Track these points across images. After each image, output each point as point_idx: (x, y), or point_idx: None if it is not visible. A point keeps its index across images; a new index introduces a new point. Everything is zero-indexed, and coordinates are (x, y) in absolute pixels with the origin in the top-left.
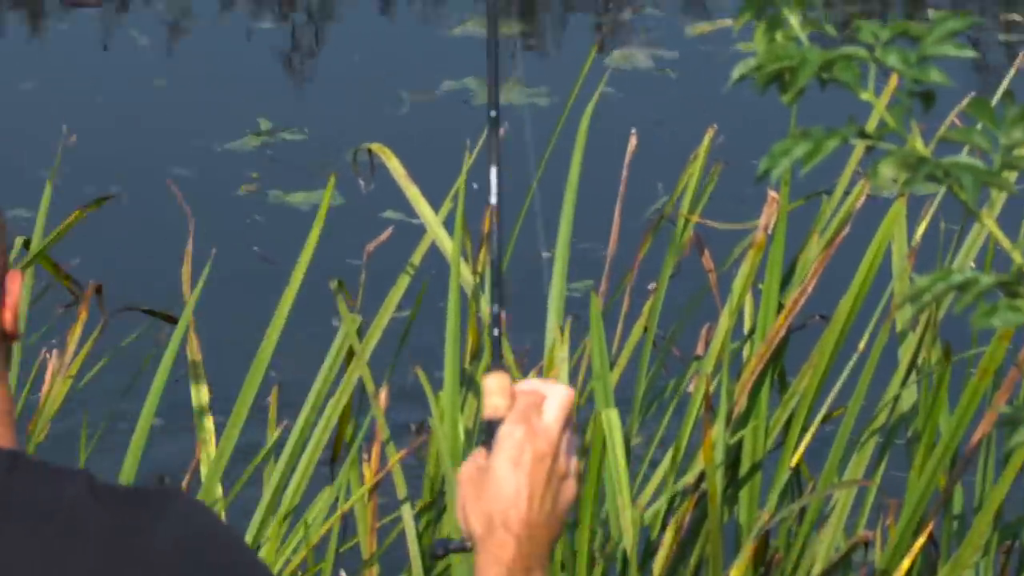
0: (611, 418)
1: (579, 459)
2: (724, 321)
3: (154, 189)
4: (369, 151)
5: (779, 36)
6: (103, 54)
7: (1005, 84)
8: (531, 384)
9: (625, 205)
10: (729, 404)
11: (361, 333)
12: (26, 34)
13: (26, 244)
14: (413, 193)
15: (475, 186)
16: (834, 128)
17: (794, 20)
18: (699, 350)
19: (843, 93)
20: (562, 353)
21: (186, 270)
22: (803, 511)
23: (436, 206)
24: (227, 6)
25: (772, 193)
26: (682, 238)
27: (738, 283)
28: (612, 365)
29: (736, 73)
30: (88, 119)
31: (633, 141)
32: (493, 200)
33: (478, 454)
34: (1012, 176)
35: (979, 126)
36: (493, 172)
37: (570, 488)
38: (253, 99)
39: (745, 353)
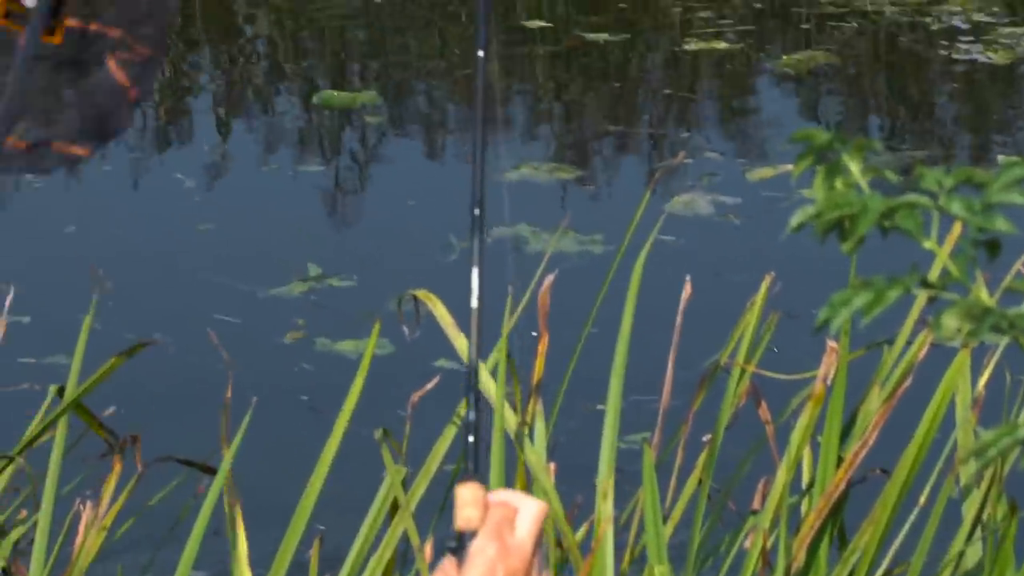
0: (663, 575)
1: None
2: (782, 474)
3: (197, 336)
4: (415, 298)
5: (839, 183)
6: (145, 196)
7: None
8: (504, 496)
9: (680, 355)
10: (787, 560)
11: (406, 485)
12: (63, 175)
13: (60, 392)
14: (460, 343)
15: (533, 334)
16: (896, 277)
17: (854, 167)
18: (756, 504)
19: (905, 241)
20: (609, 507)
21: (224, 420)
22: None
23: (485, 354)
24: (270, 148)
25: (831, 343)
26: (738, 388)
27: (796, 435)
28: (665, 519)
29: (795, 221)
30: (131, 263)
31: (688, 289)
32: (474, 304)
33: (448, 567)
34: None
35: None
36: (475, 274)
37: None
38: (299, 244)
39: (803, 508)
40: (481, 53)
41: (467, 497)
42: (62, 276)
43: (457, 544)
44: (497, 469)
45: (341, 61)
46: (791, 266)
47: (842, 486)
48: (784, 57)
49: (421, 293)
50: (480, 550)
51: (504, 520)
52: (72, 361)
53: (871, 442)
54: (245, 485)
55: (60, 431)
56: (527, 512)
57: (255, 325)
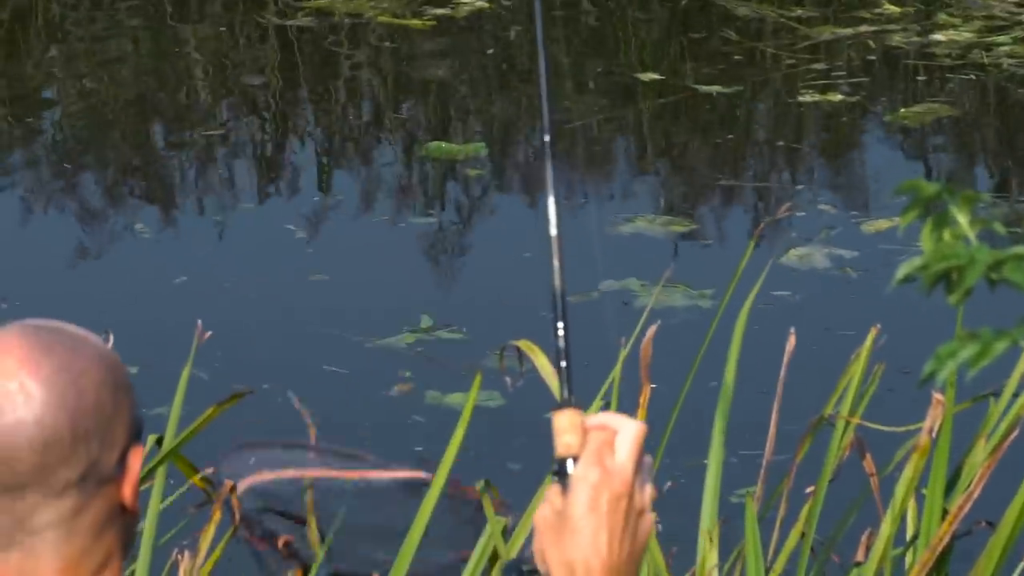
0: None
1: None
2: (886, 527)
3: (306, 386)
4: (517, 349)
5: (946, 235)
6: (256, 246)
7: None
8: (601, 419)
9: (786, 408)
10: None
11: (506, 535)
12: (160, 226)
13: (159, 441)
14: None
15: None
16: (1003, 329)
17: (962, 218)
18: (859, 556)
19: (1013, 292)
20: (712, 560)
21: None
22: None
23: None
24: (377, 199)
25: (937, 395)
26: (842, 440)
27: (901, 487)
28: (768, 572)
29: (901, 273)
30: (242, 313)
31: (792, 341)
32: (553, 232)
33: (553, 495)
34: None
35: None
36: (551, 202)
37: (647, 522)
38: (408, 295)
39: (907, 560)
40: (547, 138)
41: (565, 424)
42: (171, 326)
43: (559, 471)
44: None
45: (444, 114)
46: (903, 319)
47: (947, 538)
48: (902, 109)
49: (523, 344)
50: (582, 477)
51: (604, 444)
52: (169, 411)
53: (976, 494)
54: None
55: (159, 481)
56: (626, 434)
57: (363, 376)
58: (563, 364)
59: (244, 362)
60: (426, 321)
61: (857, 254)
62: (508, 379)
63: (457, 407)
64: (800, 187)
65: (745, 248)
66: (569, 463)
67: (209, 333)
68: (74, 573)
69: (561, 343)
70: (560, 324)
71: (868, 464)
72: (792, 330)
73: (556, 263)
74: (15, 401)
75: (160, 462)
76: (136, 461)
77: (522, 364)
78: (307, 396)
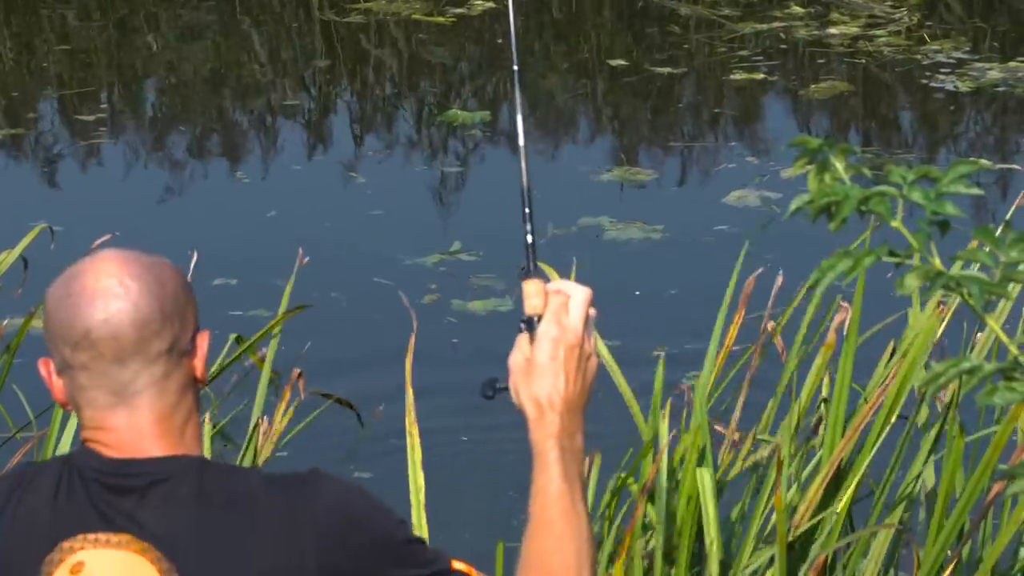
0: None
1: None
2: (804, 397)
3: (363, 295)
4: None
5: (827, 177)
6: (330, 189)
7: (1009, 214)
8: (558, 285)
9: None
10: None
11: None
12: (256, 172)
13: (237, 339)
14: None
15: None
16: (871, 249)
17: (839, 165)
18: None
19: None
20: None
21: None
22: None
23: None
24: (418, 152)
25: (843, 303)
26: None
27: (812, 373)
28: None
29: (792, 206)
30: (318, 239)
31: (779, 280)
32: (521, 142)
33: (523, 343)
34: (1014, 288)
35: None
36: (519, 119)
37: (593, 363)
38: (437, 225)
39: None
40: (515, 67)
41: (531, 289)
42: (265, 249)
43: (527, 326)
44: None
45: (460, 89)
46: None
47: (866, 420)
48: (812, 86)
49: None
50: (544, 332)
51: (561, 305)
52: (268, 313)
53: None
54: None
55: (264, 377)
56: (577, 297)
57: (403, 286)
58: (529, 240)
59: (318, 276)
60: (456, 246)
61: (780, 195)
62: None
63: (477, 311)
64: (733, 144)
65: (690, 192)
66: (535, 320)
67: (307, 259)
68: (167, 423)
69: (528, 226)
70: (527, 210)
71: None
72: (780, 272)
73: (523, 165)
74: (116, 293)
75: (238, 355)
76: (204, 342)
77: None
78: (361, 301)
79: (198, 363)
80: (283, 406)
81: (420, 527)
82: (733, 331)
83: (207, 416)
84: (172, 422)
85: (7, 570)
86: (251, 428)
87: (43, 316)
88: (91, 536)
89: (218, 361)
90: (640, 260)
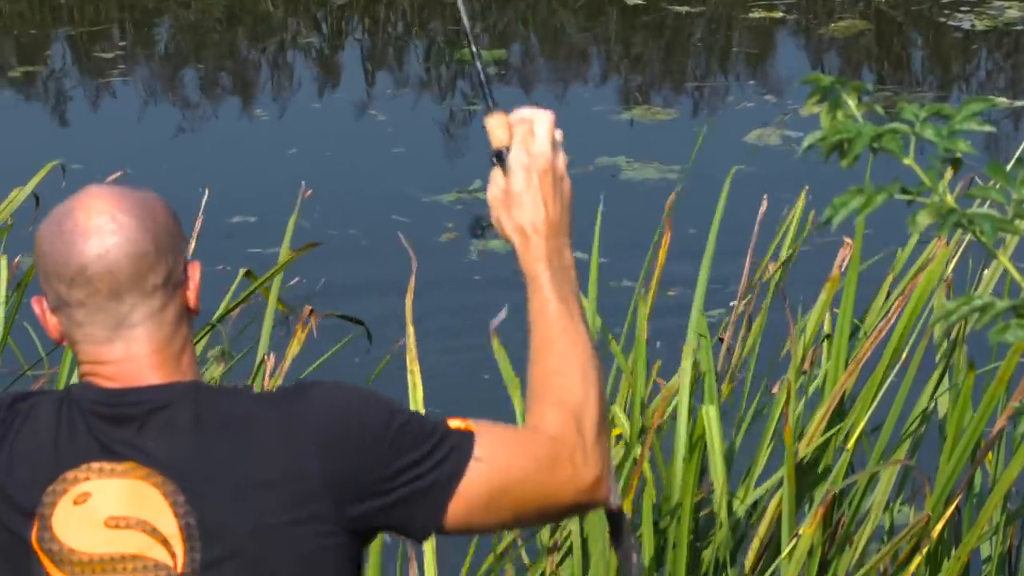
0: (711, 415)
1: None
2: (809, 329)
3: (381, 231)
4: None
5: (839, 115)
6: (352, 127)
7: (1019, 152)
8: (520, 114)
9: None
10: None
11: None
12: (275, 110)
13: (247, 274)
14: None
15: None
16: (882, 186)
17: (852, 102)
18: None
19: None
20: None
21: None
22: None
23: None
24: (431, 91)
25: (847, 239)
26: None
27: (816, 308)
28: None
29: (806, 143)
30: (339, 176)
31: (764, 205)
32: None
33: (497, 177)
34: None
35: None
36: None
37: (567, 183)
38: (454, 162)
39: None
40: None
41: (494, 123)
42: (283, 186)
43: (498, 159)
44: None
45: (478, 30)
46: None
47: (868, 353)
48: (831, 24)
49: None
50: (515, 161)
51: (527, 134)
52: (281, 253)
53: (892, 321)
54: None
55: (270, 309)
56: (541, 122)
57: (420, 222)
58: (482, 78)
59: (336, 214)
60: (476, 184)
61: (801, 134)
62: None
63: (497, 249)
64: (750, 83)
65: (708, 131)
66: (504, 152)
67: (309, 192)
68: (164, 354)
69: (479, 64)
70: (474, 48)
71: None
72: (765, 195)
73: (462, 9)
74: (110, 228)
75: (250, 292)
76: (195, 272)
77: None
78: (378, 239)
79: (191, 294)
80: (295, 341)
81: None
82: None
83: (220, 352)
84: (169, 352)
85: (7, 504)
86: (256, 365)
87: (35, 255)
88: (95, 466)
89: (227, 297)
90: (658, 200)
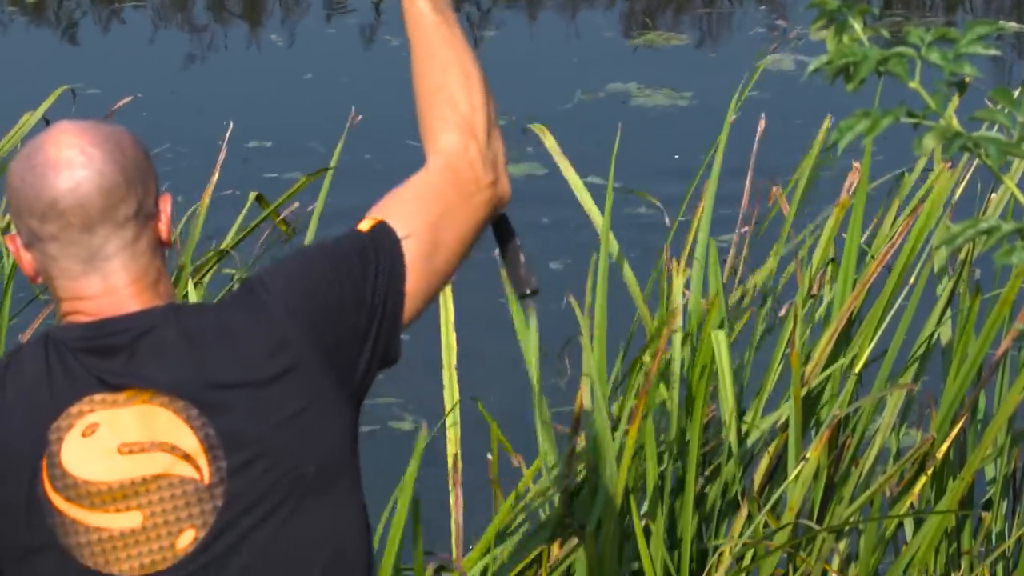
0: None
1: None
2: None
3: (397, 157)
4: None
5: (846, 38)
6: (370, 54)
7: None
8: None
9: (758, 172)
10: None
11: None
12: (289, 36)
13: (258, 199)
14: (564, 163)
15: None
16: (888, 109)
17: (857, 25)
18: (782, 313)
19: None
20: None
21: None
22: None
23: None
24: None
25: (855, 163)
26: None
27: (826, 231)
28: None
29: (812, 67)
30: (355, 100)
31: (762, 124)
32: None
33: None
34: None
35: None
36: None
37: None
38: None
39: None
40: None
41: None
42: (298, 112)
43: None
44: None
45: None
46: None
47: (876, 272)
48: None
49: (536, 127)
50: None
51: None
52: (299, 176)
53: (897, 243)
54: None
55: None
56: None
57: None
58: None
59: (350, 139)
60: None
61: (812, 58)
62: (530, 149)
63: (513, 175)
64: (762, 8)
65: (724, 57)
66: None
67: (360, 117)
68: (141, 284)
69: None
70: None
71: (783, 203)
72: (763, 114)
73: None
74: (80, 161)
75: (262, 219)
76: (166, 205)
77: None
78: (392, 164)
79: (163, 226)
80: None
81: (451, 387)
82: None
83: (241, 276)
84: (146, 282)
85: (7, 458)
86: None
87: (7, 192)
88: (96, 397)
89: (237, 222)
90: (668, 126)
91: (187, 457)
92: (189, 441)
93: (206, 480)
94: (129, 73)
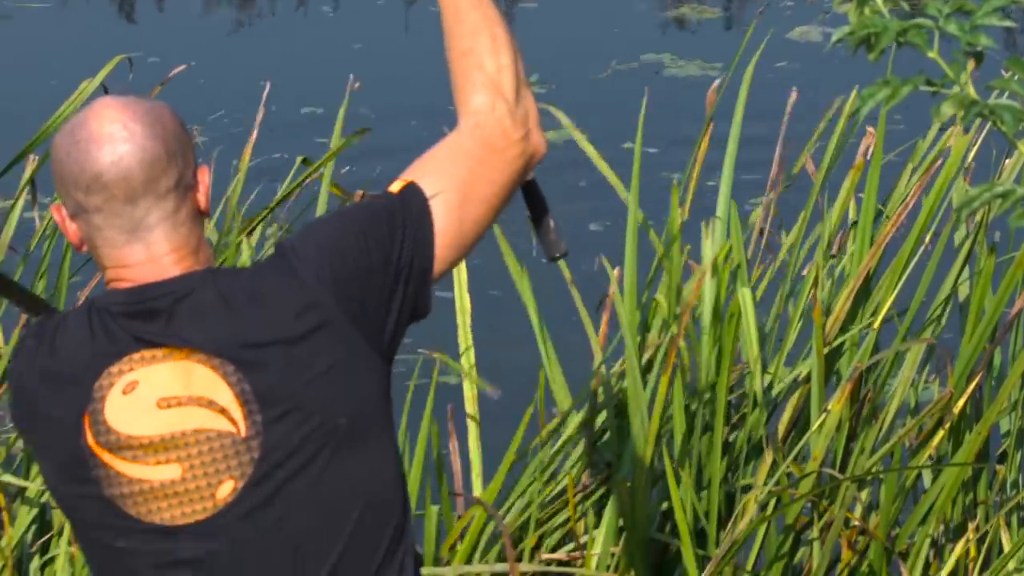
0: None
1: None
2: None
3: (432, 119)
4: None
5: (867, 10)
6: (414, 23)
7: None
8: None
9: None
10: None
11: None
12: (336, 6)
13: (304, 161)
14: (578, 135)
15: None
16: (907, 78)
17: None
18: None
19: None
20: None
21: None
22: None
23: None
24: None
25: (869, 128)
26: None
27: (842, 192)
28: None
29: (835, 38)
30: (397, 69)
31: (793, 95)
32: None
33: None
34: None
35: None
36: None
37: None
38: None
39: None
40: None
41: None
42: (346, 79)
43: None
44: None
45: None
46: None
47: (890, 234)
48: None
49: (551, 107)
50: None
51: None
52: (353, 140)
53: (910, 204)
54: None
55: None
56: None
57: None
58: None
59: (395, 105)
60: (534, 77)
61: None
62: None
63: (552, 140)
64: None
65: (754, 30)
66: None
67: (358, 84)
68: (181, 252)
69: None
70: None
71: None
72: (794, 88)
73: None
74: (122, 136)
75: (305, 178)
76: (204, 177)
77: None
78: (431, 126)
79: (202, 196)
80: None
81: (466, 342)
82: None
83: (279, 231)
84: (186, 250)
85: (58, 413)
86: None
87: (52, 165)
88: (135, 356)
89: (284, 183)
90: (700, 95)
91: (223, 411)
92: (225, 396)
93: (242, 433)
94: (184, 41)
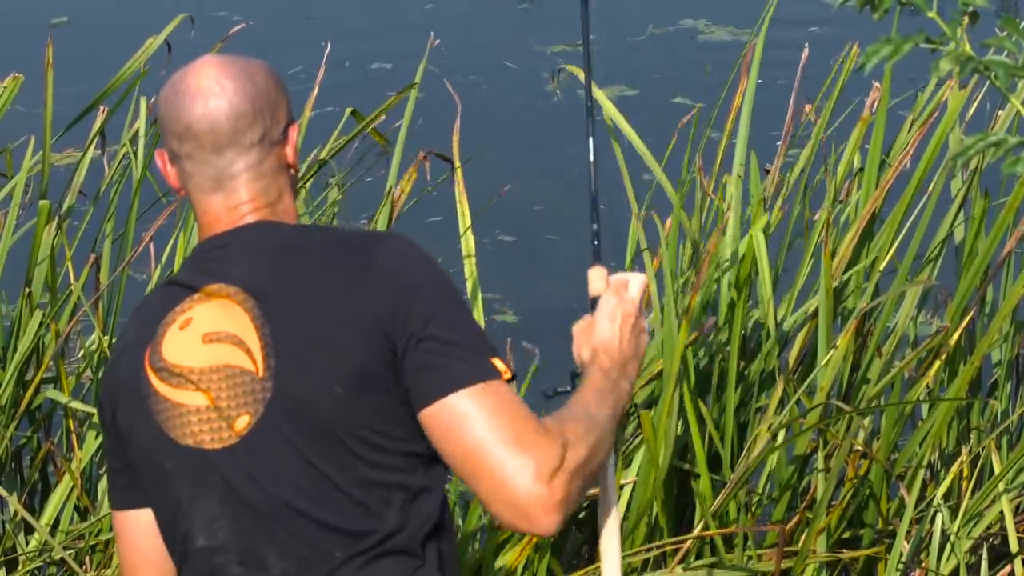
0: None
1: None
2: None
3: (496, 74)
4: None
5: None
6: None
7: None
8: (619, 274)
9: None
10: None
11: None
12: None
13: (353, 113)
14: (601, 96)
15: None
16: (908, 35)
17: None
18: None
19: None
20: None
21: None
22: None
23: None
24: None
25: (875, 83)
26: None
27: (850, 144)
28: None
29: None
30: (469, 28)
31: (806, 52)
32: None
33: (587, 316)
34: None
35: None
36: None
37: (644, 339)
38: (552, 22)
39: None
40: None
41: (595, 275)
42: (415, 36)
43: (592, 305)
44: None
45: None
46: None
47: (891, 180)
48: None
49: (571, 67)
50: (606, 301)
51: (621, 284)
52: (420, 94)
53: (911, 151)
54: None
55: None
56: (635, 281)
57: (527, 70)
58: (596, 244)
59: (461, 61)
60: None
61: None
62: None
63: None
64: None
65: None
66: (599, 299)
67: (437, 40)
68: (259, 201)
69: (595, 226)
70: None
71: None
72: (806, 45)
73: (592, 175)
74: (215, 91)
75: (357, 132)
76: (294, 133)
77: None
78: (490, 84)
79: (290, 151)
80: (406, 178)
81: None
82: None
83: (338, 181)
84: (264, 200)
85: (125, 350)
86: (386, 193)
87: (157, 113)
88: (195, 296)
89: (333, 135)
90: (729, 58)
91: (248, 351)
92: (251, 337)
93: (260, 373)
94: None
